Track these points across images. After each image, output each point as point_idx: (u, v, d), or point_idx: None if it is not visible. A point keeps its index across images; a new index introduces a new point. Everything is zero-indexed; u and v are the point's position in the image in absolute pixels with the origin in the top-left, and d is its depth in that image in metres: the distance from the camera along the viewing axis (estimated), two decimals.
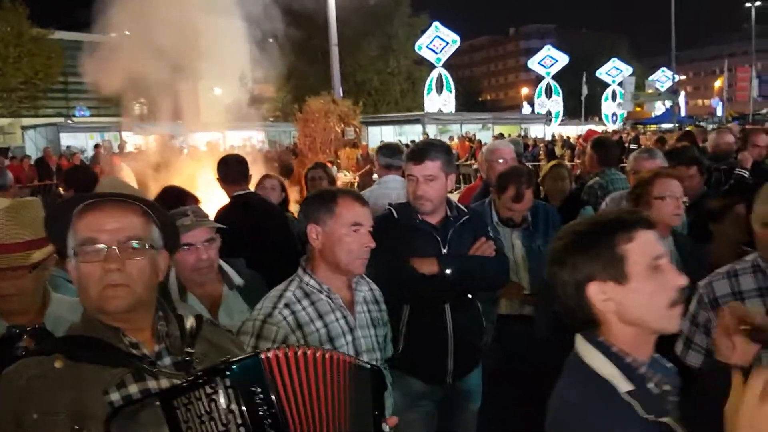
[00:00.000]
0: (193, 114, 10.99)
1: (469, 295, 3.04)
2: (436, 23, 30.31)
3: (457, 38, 30.12)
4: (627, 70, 40.28)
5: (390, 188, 4.41)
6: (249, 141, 20.90)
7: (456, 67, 52.44)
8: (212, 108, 11.48)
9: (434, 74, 30.74)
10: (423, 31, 31.83)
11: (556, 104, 35.91)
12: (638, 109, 39.93)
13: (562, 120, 36.46)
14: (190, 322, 1.68)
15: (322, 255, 2.35)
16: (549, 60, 36.38)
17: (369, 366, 1.66)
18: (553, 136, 28.39)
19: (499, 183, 3.70)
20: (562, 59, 35.96)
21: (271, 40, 11.74)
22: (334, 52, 18.16)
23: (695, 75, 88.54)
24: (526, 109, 43.91)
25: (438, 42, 30.28)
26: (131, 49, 9.09)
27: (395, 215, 3.04)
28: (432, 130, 25.84)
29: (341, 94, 18.44)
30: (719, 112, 42.84)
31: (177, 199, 3.58)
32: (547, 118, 33.73)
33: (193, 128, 12.28)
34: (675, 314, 1.43)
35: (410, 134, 25.65)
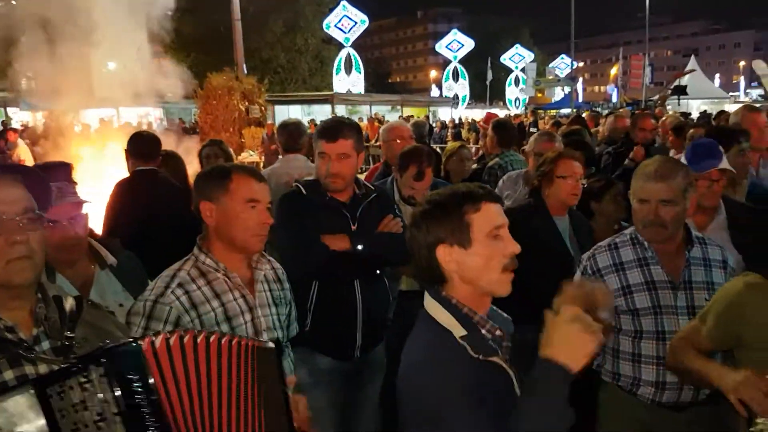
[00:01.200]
0: (86, 89, 10.43)
1: (378, 271, 3.11)
2: (344, 2, 30.04)
3: (366, 18, 30.02)
4: (529, 56, 41.62)
5: (293, 167, 4.40)
6: (146, 118, 20.07)
7: (365, 48, 52.34)
8: (106, 83, 10.92)
9: (343, 54, 30.54)
10: (331, 10, 31.49)
11: (462, 88, 36.65)
12: (539, 94, 41.41)
13: (468, 104, 37.27)
14: (69, 304, 1.64)
15: (217, 233, 2.31)
16: (456, 44, 37.03)
17: (271, 344, 1.69)
18: (460, 119, 28.99)
19: (400, 162, 3.77)
20: (469, 44, 36.69)
21: (169, 12, 11.27)
22: (237, 26, 17.65)
23: (592, 62, 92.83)
24: (435, 92, 44.63)
25: (346, 21, 30.05)
26: (17, 19, 8.50)
27: (303, 192, 3.03)
28: (341, 111, 25.71)
29: (246, 72, 17.97)
30: (614, 98, 45.11)
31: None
32: (454, 102, 34.36)
33: (86, 104, 11.65)
34: (506, 279, 1.65)
35: (319, 114, 25.41)
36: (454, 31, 38.09)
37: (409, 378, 1.63)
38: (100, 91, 11.04)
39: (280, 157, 4.94)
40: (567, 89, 39.50)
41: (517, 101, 38.78)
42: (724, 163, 3.15)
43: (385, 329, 3.18)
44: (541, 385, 1.52)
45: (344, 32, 30.08)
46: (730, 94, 44.30)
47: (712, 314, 2.18)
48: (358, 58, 30.24)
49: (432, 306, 1.69)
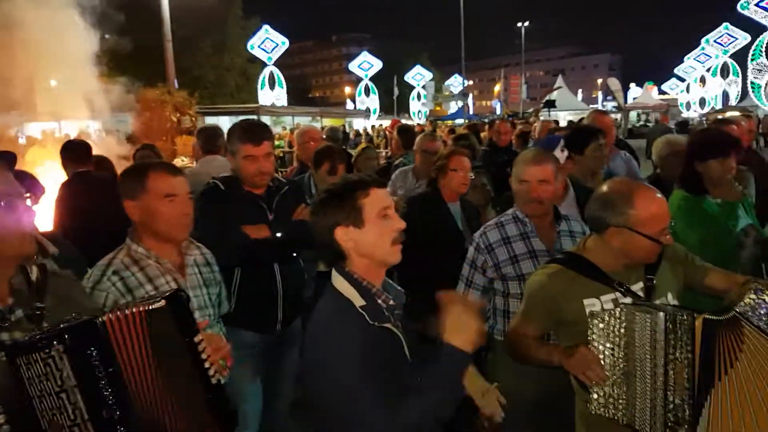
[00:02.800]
0: (29, 103, 9.80)
1: (294, 254, 3.07)
2: (266, 26, 29.55)
3: (286, 41, 29.59)
4: (428, 75, 42.20)
5: (213, 167, 4.29)
6: (86, 130, 18.96)
7: (287, 66, 51.47)
8: (48, 98, 10.31)
9: (266, 72, 30.01)
10: (254, 33, 30.88)
11: (373, 102, 36.72)
12: (438, 108, 42.33)
13: (379, 115, 37.47)
14: (35, 273, 1.62)
15: (143, 226, 2.24)
16: (366, 64, 37.04)
17: (161, 303, 1.52)
18: (372, 127, 29.21)
19: (315, 159, 3.76)
20: (377, 64, 36.79)
21: (107, 36, 10.79)
22: (168, 47, 17.27)
23: (480, 81, 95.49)
24: (350, 105, 44.52)
25: (269, 43, 29.56)
26: None
27: (222, 187, 2.96)
28: (267, 121, 25.31)
29: (177, 86, 17.42)
30: (498, 111, 46.58)
31: None
32: (366, 114, 34.48)
33: (30, 118, 10.95)
34: (396, 250, 1.71)
35: None
36: (365, 52, 38.10)
37: (315, 339, 1.64)
38: (43, 106, 10.45)
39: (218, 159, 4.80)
40: (460, 103, 40.56)
41: (420, 113, 39.28)
42: (559, 155, 3.35)
43: (303, 305, 3.16)
44: (440, 366, 1.61)
45: (267, 52, 29.57)
46: (591, 106, 46.70)
47: (531, 310, 2.20)
48: (281, 75, 29.77)
49: (337, 280, 1.71)
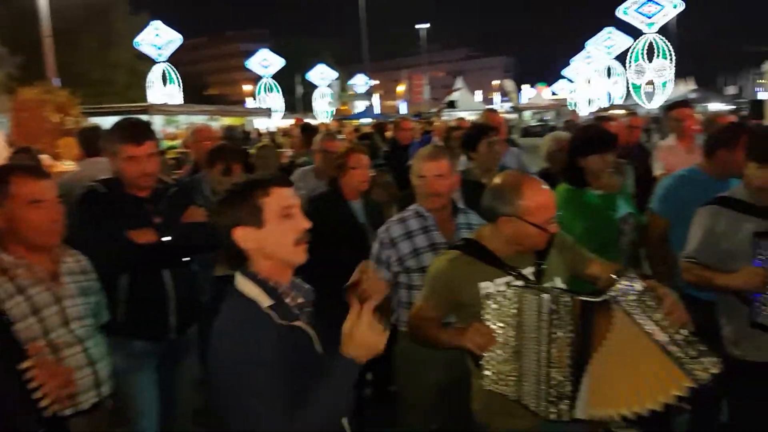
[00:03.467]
0: None
1: (185, 258, 2.96)
2: (157, 21, 28.21)
3: (179, 36, 28.43)
4: (333, 74, 42.15)
5: (96, 170, 4.04)
6: None
7: (181, 63, 49.44)
8: None
9: (158, 68, 28.69)
10: (143, 28, 29.38)
11: (275, 100, 36.09)
12: (344, 107, 42.44)
13: (283, 115, 36.90)
14: None
15: (9, 234, 2.11)
16: (266, 62, 36.39)
17: None
18: (277, 127, 28.71)
19: (208, 159, 3.64)
20: (279, 62, 36.19)
21: None
22: (48, 42, 16.03)
23: (385, 81, 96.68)
24: (251, 103, 43.46)
25: (160, 38, 28.28)
26: None
27: (103, 190, 2.80)
28: (159, 121, 24.18)
29: (60, 84, 16.22)
30: (403, 110, 47.47)
31: None
32: (268, 112, 33.82)
33: None
34: (300, 250, 1.68)
35: None
36: (265, 50, 37.30)
37: (222, 345, 1.60)
38: None
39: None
40: (366, 103, 40.91)
41: (325, 112, 39.17)
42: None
43: (198, 311, 3.06)
44: (337, 373, 1.62)
45: (158, 49, 28.29)
46: (488, 106, 48.77)
47: (432, 293, 2.30)
48: (174, 72, 28.54)
49: (241, 282, 1.67)
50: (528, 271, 2.21)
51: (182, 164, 10.35)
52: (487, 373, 2.04)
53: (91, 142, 4.36)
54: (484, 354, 2.03)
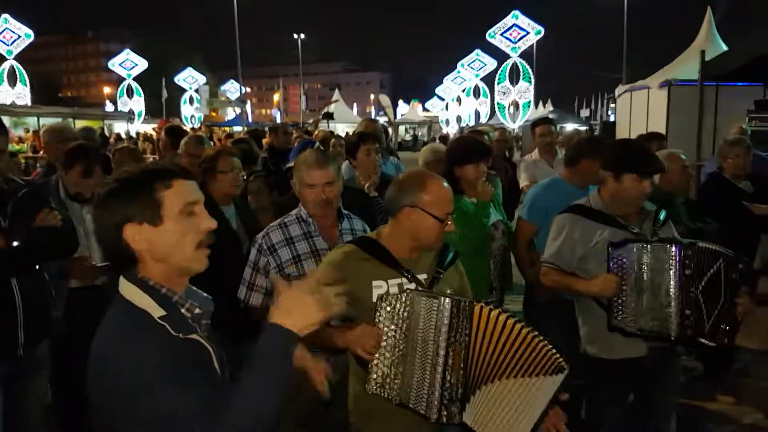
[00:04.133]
0: None
1: (36, 266, 2.68)
2: (6, 15, 25.64)
3: (31, 32, 26.03)
4: (201, 79, 40.61)
5: None
6: None
7: (32, 62, 45.23)
8: None
9: (6, 66, 26.09)
10: None
11: (138, 104, 34.05)
12: (214, 114, 40.97)
13: (145, 119, 34.88)
14: None
15: None
16: (129, 63, 34.26)
17: None
18: (137, 132, 27.07)
19: (66, 159, 3.33)
20: (142, 63, 34.23)
21: None
22: None
23: (259, 89, 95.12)
24: (110, 107, 40.72)
25: (9, 34, 25.73)
26: None
27: None
28: (6, 122, 21.75)
29: None
30: (278, 120, 46.87)
31: None
32: (130, 116, 31.84)
33: None
34: (201, 255, 1.46)
35: None
36: (127, 51, 35.14)
37: (104, 362, 1.35)
38: None
39: None
40: (238, 110, 39.77)
41: (193, 118, 37.56)
42: None
43: (49, 325, 2.79)
44: (264, 349, 1.37)
45: (7, 44, 25.73)
46: (367, 117, 49.62)
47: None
48: (23, 71, 26.04)
49: (127, 289, 1.43)
50: (422, 276, 2.25)
51: (31, 169, 9.44)
52: (373, 376, 2.03)
53: None
54: (371, 357, 2.03)
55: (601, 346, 2.83)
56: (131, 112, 32.99)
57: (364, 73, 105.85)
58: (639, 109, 14.26)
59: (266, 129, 10.40)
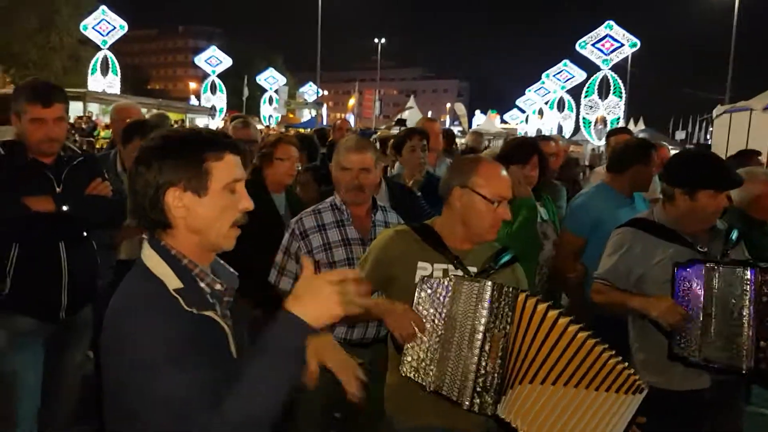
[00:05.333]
0: None
1: (85, 233, 2.80)
2: (104, 7, 27.37)
3: (125, 24, 27.63)
4: (282, 80, 41.91)
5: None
6: None
7: (125, 54, 48.00)
8: None
9: (100, 56, 27.79)
10: (90, 12, 28.46)
11: (220, 100, 35.48)
12: (291, 115, 42.14)
13: (225, 116, 36.40)
14: None
15: None
16: (215, 60, 35.76)
17: None
18: (216, 128, 28.18)
19: (124, 134, 3.48)
20: (227, 61, 35.68)
21: None
22: None
23: (336, 92, 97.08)
24: (194, 101, 42.60)
25: (105, 25, 27.40)
26: None
27: (2, 153, 2.62)
28: (95, 108, 23.45)
29: None
30: (352, 125, 47.60)
31: None
32: (211, 112, 33.22)
33: None
34: (233, 234, 1.44)
35: (72, 111, 22.82)
36: (213, 47, 36.69)
37: (116, 325, 1.33)
38: None
39: None
40: (314, 112, 40.70)
41: (271, 118, 38.78)
42: None
43: (94, 292, 2.88)
44: (273, 339, 1.30)
45: (102, 35, 27.41)
46: (429, 117, 49.49)
47: (370, 258, 2.31)
48: (116, 61, 27.67)
49: (149, 255, 1.40)
50: (472, 269, 2.21)
51: None
52: (408, 359, 2.01)
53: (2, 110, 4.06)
54: (409, 341, 2.01)
55: (658, 375, 2.61)
56: (213, 108, 34.40)
57: (441, 80, 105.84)
58: (738, 132, 13.35)
59: (330, 127, 10.51)
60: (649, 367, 2.65)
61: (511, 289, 1.94)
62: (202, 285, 1.41)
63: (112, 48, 27.80)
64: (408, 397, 2.11)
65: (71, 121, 19.07)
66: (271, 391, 1.29)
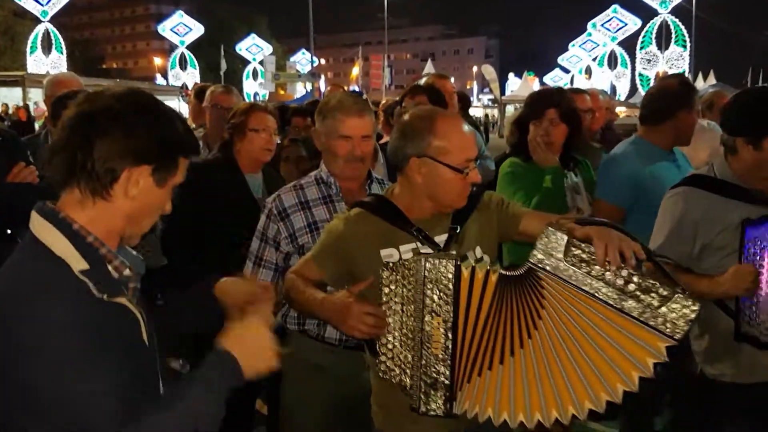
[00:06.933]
0: None
1: (8, 231, 2.84)
2: None
3: None
4: (267, 48, 42.24)
5: None
6: None
7: (71, 28, 48.55)
8: None
9: (40, 30, 28.10)
10: None
11: (192, 77, 35.86)
12: (282, 91, 42.32)
13: None
14: None
15: None
16: (182, 28, 36.16)
17: None
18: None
19: (52, 110, 3.57)
20: (197, 28, 36.10)
21: None
22: None
23: (335, 61, 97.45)
24: (161, 80, 43.04)
25: None
26: None
27: None
28: (37, 94, 23.70)
29: None
30: None
31: None
32: (182, 91, 33.50)
33: None
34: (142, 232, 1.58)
35: (9, 99, 23.12)
36: (180, 13, 37.13)
37: (2, 318, 1.34)
38: None
39: None
40: (309, 86, 40.82)
41: (257, 96, 39.06)
42: None
43: None
44: (209, 373, 1.48)
45: (41, 5, 27.72)
46: (441, 74, 49.36)
47: (321, 251, 2.31)
48: (59, 36, 28.00)
49: (43, 229, 1.42)
50: (441, 238, 2.22)
51: None
52: (382, 358, 2.07)
53: None
54: (378, 339, 2.06)
55: (727, 365, 2.63)
56: (184, 86, 34.64)
57: (464, 39, 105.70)
58: None
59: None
60: (712, 357, 2.67)
61: (478, 268, 1.97)
62: (110, 268, 1.47)
63: (54, 20, 28.12)
64: (393, 401, 2.16)
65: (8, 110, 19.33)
66: (186, 420, 1.43)
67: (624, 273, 1.84)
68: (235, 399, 1.50)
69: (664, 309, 1.81)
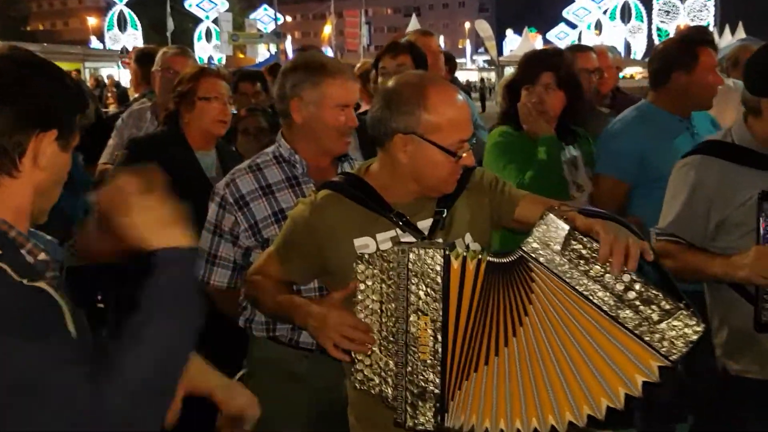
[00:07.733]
0: None
1: None
2: None
3: None
4: (223, 4, 41.84)
5: None
6: None
7: None
8: None
9: None
10: None
11: (133, 39, 35.56)
12: (241, 55, 42.01)
13: None
14: None
15: None
16: None
17: None
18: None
19: None
20: None
21: None
22: None
23: (303, 18, 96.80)
24: (96, 43, 42.64)
25: None
26: None
27: None
28: None
29: None
30: None
31: None
32: (122, 56, 33.21)
33: None
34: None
35: None
36: None
37: None
38: None
39: None
40: (273, 48, 40.55)
41: (211, 61, 38.77)
42: None
43: None
44: (163, 283, 1.53)
45: None
46: (456, 61, 49.43)
47: (284, 243, 2.33)
48: None
49: None
50: (426, 223, 2.22)
51: None
52: (358, 367, 2.07)
53: None
54: (343, 356, 2.07)
55: (751, 359, 2.68)
56: (124, 50, 34.37)
57: None
58: None
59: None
60: (737, 350, 2.72)
61: (468, 257, 1.96)
62: (24, 252, 1.54)
63: None
64: (373, 413, 2.19)
65: None
66: (171, 348, 1.50)
67: (626, 278, 1.84)
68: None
69: (663, 325, 1.82)
